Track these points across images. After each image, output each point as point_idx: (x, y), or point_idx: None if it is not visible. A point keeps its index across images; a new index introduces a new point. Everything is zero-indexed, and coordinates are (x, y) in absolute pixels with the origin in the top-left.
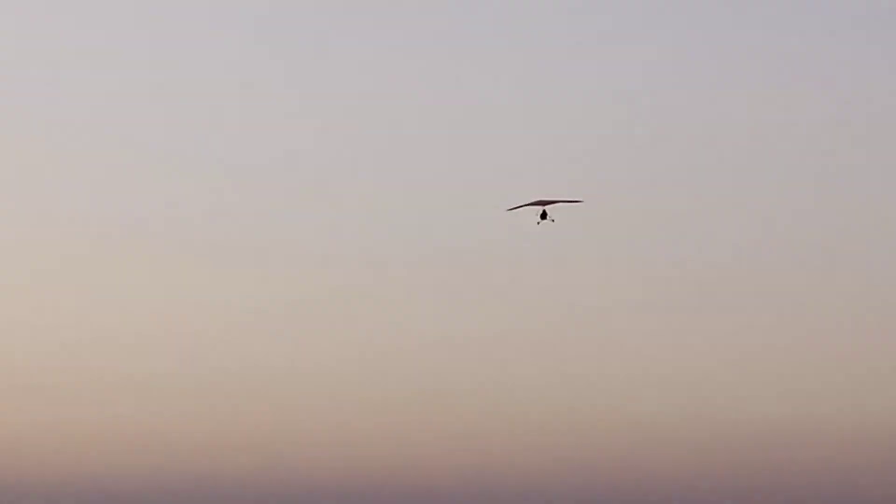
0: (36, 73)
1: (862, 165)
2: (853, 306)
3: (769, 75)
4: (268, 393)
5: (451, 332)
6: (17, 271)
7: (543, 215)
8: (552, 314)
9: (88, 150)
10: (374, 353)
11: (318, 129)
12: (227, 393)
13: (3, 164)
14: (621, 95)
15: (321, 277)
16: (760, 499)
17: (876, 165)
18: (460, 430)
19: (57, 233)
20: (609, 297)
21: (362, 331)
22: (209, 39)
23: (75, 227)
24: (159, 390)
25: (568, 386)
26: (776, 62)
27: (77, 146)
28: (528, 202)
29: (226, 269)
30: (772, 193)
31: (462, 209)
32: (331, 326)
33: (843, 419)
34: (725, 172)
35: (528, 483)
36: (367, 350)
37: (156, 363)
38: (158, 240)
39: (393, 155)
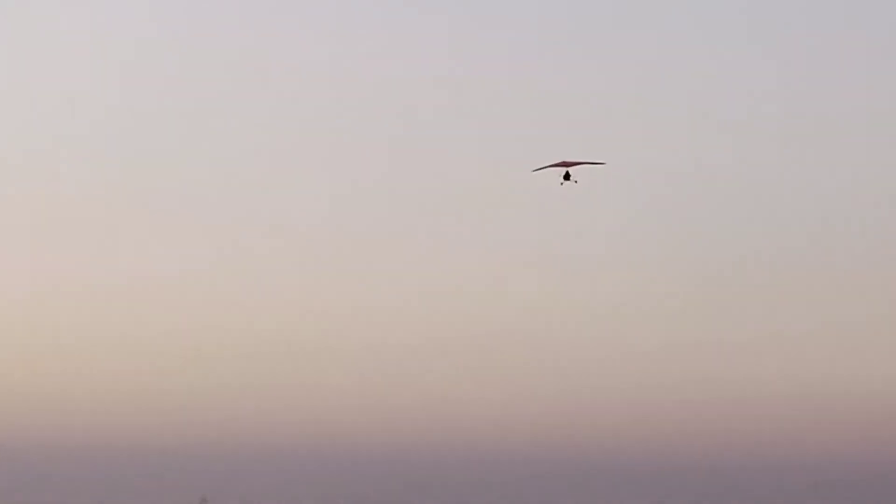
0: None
1: None
2: None
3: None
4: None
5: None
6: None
7: (567, 176)
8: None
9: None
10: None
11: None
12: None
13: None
14: (644, 63)
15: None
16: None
17: None
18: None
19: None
20: (627, 254)
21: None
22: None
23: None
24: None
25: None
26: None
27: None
28: (552, 163)
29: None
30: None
31: (491, 169)
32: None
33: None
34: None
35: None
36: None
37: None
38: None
39: (431, 123)
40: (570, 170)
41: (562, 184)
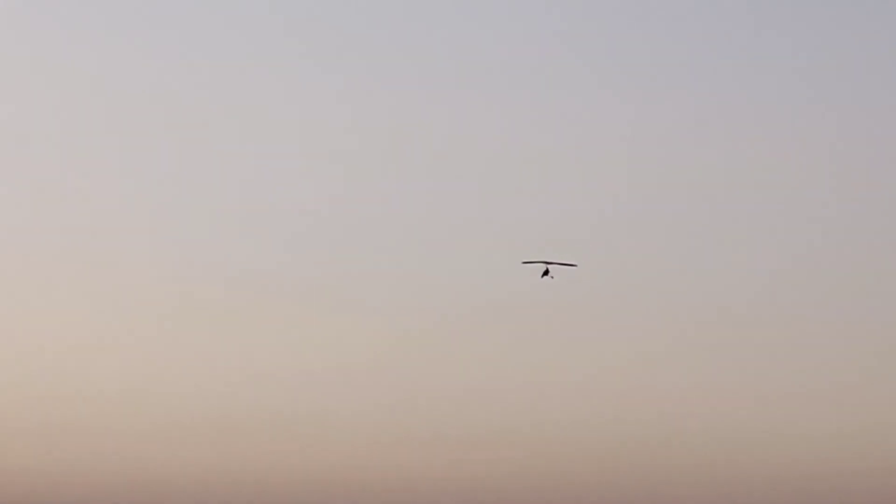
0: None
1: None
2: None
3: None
4: (297, 435)
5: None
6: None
7: (546, 272)
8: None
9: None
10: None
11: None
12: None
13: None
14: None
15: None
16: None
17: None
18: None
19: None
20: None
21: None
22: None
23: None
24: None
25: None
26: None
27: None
28: (539, 259)
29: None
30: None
31: (486, 259)
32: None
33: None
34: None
35: None
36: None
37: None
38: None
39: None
40: (550, 267)
41: (542, 277)
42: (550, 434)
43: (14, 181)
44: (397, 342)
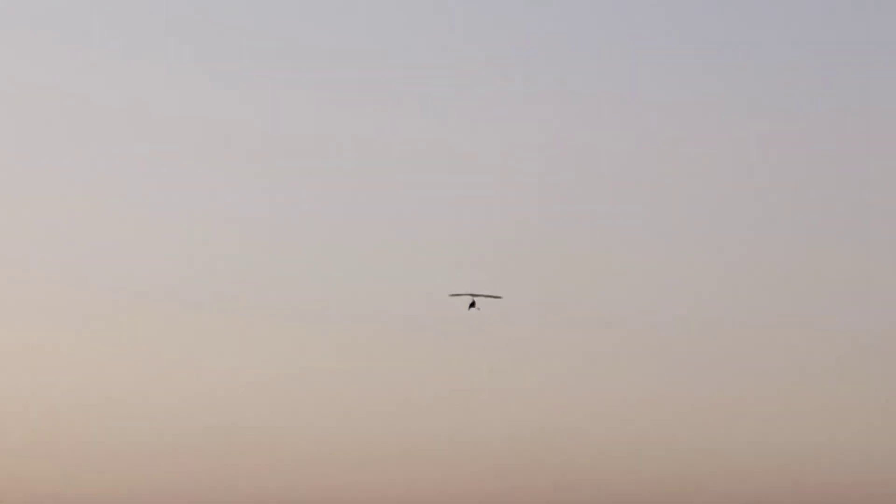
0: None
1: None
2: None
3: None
4: (262, 452)
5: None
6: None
7: (472, 304)
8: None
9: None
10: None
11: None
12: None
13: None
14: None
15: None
16: None
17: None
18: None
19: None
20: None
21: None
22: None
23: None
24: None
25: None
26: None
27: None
28: (465, 292)
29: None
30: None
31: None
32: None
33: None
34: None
35: None
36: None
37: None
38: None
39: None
40: (476, 299)
41: (469, 309)
42: (517, 446)
43: None
44: (351, 353)
